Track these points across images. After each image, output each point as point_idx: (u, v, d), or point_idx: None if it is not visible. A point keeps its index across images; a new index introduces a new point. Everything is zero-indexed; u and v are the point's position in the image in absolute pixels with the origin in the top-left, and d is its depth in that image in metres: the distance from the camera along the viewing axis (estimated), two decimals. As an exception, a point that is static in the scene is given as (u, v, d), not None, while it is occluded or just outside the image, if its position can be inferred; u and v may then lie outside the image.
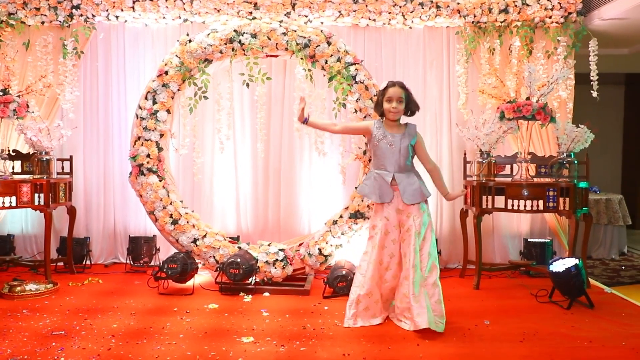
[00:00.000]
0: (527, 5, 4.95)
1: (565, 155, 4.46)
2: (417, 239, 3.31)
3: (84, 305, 3.81)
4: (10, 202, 4.36)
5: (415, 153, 3.50)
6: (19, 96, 4.60)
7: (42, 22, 5.02)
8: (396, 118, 3.43)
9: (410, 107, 3.46)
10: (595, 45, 4.83)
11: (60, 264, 4.99)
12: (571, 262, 3.86)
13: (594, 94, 4.77)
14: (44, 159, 4.60)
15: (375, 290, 3.42)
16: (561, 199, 4.26)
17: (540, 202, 4.28)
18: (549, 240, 5.06)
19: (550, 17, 4.96)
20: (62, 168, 4.92)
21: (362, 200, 4.49)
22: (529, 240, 5.12)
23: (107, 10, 5.00)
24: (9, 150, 4.75)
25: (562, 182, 4.30)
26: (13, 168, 4.82)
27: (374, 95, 4.44)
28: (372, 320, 3.39)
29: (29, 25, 5.04)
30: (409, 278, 3.28)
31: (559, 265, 3.89)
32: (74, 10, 4.97)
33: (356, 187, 4.52)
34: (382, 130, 3.43)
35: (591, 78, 4.80)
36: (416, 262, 3.29)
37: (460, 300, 4.06)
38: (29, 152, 4.85)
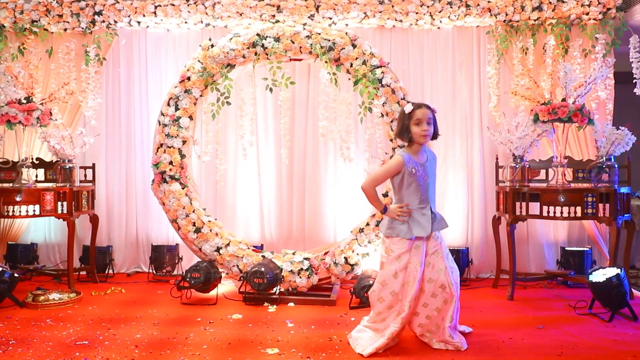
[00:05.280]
0: (563, 1, 4.90)
1: (604, 158, 4.39)
2: (446, 261, 3.24)
3: (107, 314, 3.90)
4: (34, 210, 4.50)
5: None
6: (42, 104, 4.74)
7: (65, 29, 5.18)
8: (427, 141, 3.25)
9: (436, 129, 3.27)
10: (637, 42, 4.74)
11: (83, 273, 5.11)
12: (612, 271, 3.80)
13: (638, 91, 4.67)
14: (67, 166, 4.74)
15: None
16: (601, 205, 4.18)
17: (578, 209, 4.22)
18: (588, 249, 4.98)
19: (587, 14, 4.90)
20: (85, 176, 5.05)
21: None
22: (566, 248, 5.04)
23: (129, 16, 5.13)
24: (32, 158, 4.89)
25: (602, 187, 4.22)
26: (36, 176, 4.97)
27: (401, 99, 4.44)
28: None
29: (52, 33, 5.21)
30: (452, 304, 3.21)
31: (600, 275, 3.83)
32: (96, 17, 5.12)
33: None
34: (413, 162, 3.20)
35: (634, 76, 4.71)
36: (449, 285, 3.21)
37: (494, 311, 4.03)
38: (52, 160, 4.99)
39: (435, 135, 3.27)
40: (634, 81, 4.70)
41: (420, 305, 3.24)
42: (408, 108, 3.21)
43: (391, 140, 4.52)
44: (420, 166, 3.21)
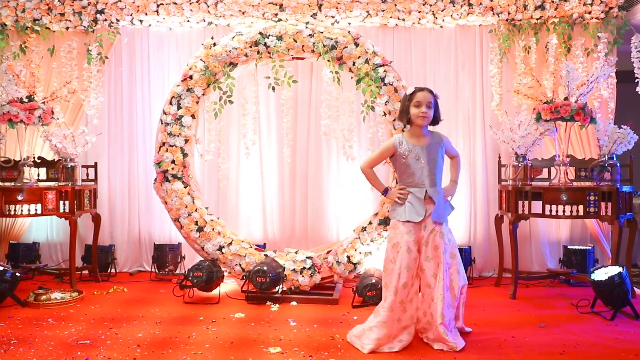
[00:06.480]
0: (565, 0, 4.88)
1: (606, 157, 4.38)
2: (449, 259, 3.25)
3: (109, 314, 3.89)
4: (36, 209, 4.49)
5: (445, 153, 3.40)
6: (44, 102, 4.73)
7: (67, 28, 5.16)
8: (424, 124, 3.23)
9: (437, 114, 3.27)
10: (639, 41, 4.71)
11: (85, 272, 5.11)
12: (615, 270, 3.79)
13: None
14: (69, 165, 4.72)
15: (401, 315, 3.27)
16: (603, 204, 4.18)
17: (581, 207, 4.21)
18: (590, 248, 4.96)
19: (589, 13, 4.88)
20: (87, 175, 5.04)
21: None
22: (568, 247, 5.02)
23: (131, 15, 5.12)
24: (34, 157, 4.89)
25: (604, 186, 4.21)
26: (38, 175, 4.96)
27: (404, 98, 4.43)
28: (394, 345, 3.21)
29: (54, 31, 5.19)
30: (441, 300, 3.18)
31: (602, 274, 3.82)
32: (98, 15, 5.10)
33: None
34: (406, 145, 3.24)
35: (636, 75, 4.69)
36: (446, 284, 3.22)
37: (496, 310, 4.02)
38: (54, 159, 4.98)
39: (436, 121, 3.30)
40: (636, 80, 4.68)
41: (417, 298, 3.28)
42: (410, 90, 3.26)
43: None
44: (416, 149, 3.23)
